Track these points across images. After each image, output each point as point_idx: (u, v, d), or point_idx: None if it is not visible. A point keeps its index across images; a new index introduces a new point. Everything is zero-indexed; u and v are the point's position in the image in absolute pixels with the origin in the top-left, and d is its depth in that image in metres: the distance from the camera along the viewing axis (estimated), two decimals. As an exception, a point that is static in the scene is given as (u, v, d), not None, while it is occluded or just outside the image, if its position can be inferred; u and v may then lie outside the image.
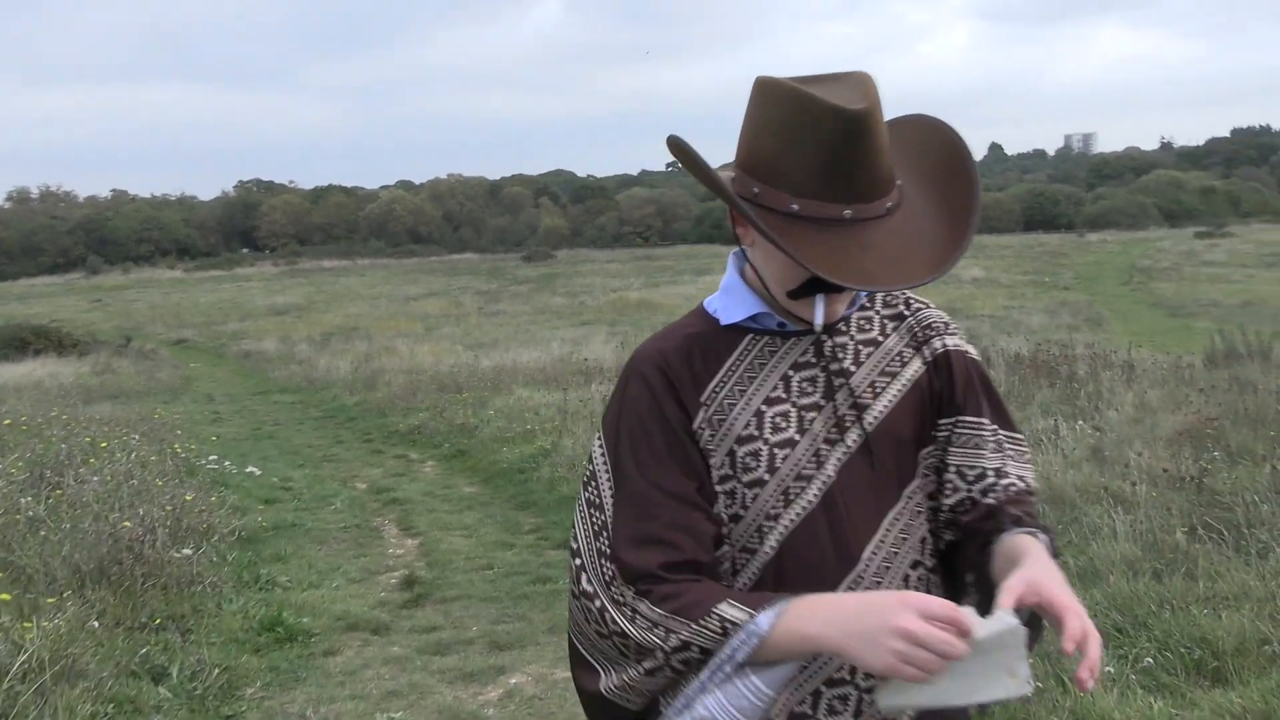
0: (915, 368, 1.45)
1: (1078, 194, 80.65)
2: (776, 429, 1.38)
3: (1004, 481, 1.43)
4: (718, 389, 1.40)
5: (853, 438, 1.39)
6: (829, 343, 1.42)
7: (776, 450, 1.38)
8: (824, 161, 1.24)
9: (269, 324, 27.70)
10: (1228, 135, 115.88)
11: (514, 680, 4.48)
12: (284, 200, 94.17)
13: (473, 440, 10.35)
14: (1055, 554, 1.35)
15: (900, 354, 1.46)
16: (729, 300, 1.44)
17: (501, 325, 24.08)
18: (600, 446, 1.42)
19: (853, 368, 1.42)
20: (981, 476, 1.43)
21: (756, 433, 1.38)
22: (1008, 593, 1.17)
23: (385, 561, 6.58)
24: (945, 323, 1.50)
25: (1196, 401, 8.75)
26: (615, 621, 1.31)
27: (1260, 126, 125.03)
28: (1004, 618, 1.16)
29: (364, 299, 35.26)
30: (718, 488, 1.38)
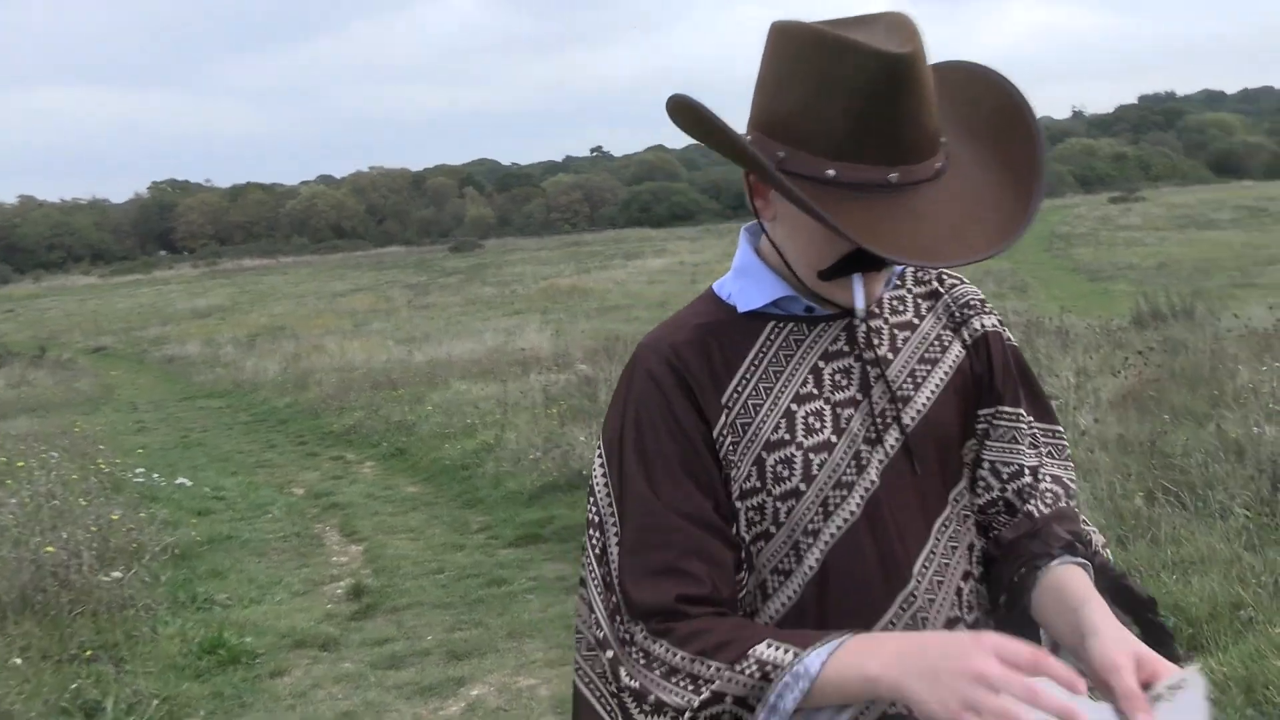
0: (956, 352, 1.28)
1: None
2: (810, 430, 1.20)
3: (1042, 485, 1.27)
4: (740, 387, 1.20)
5: (894, 436, 1.22)
6: (862, 327, 1.24)
7: (812, 455, 1.19)
8: (864, 116, 1.05)
9: (191, 327, 26.91)
10: (1135, 102, 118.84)
11: (475, 692, 4.28)
12: (201, 200, 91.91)
13: (411, 438, 10.07)
14: (1109, 576, 1.20)
15: (939, 337, 1.28)
16: (746, 283, 1.25)
17: (433, 318, 23.67)
18: (600, 459, 1.23)
19: (890, 355, 1.24)
20: (1017, 475, 1.27)
21: (788, 436, 1.19)
22: (1120, 672, 1.00)
23: (329, 571, 6.31)
24: (981, 300, 1.33)
25: (1136, 364, 8.85)
26: (625, 675, 1.12)
27: (1165, 93, 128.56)
28: (1188, 674, 0.97)
29: (289, 297, 34.48)
30: (742, 502, 1.19)
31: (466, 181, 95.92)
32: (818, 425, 1.20)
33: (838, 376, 1.22)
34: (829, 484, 1.19)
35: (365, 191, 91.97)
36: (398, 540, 6.83)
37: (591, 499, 1.22)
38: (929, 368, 1.26)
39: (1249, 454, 5.74)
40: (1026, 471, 1.27)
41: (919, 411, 1.23)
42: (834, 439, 1.20)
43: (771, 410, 1.20)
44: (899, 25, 1.08)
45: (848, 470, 1.20)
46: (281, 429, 12.32)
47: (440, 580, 5.87)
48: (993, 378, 1.29)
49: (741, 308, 1.24)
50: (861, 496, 1.20)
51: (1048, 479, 1.28)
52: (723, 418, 1.19)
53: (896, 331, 1.27)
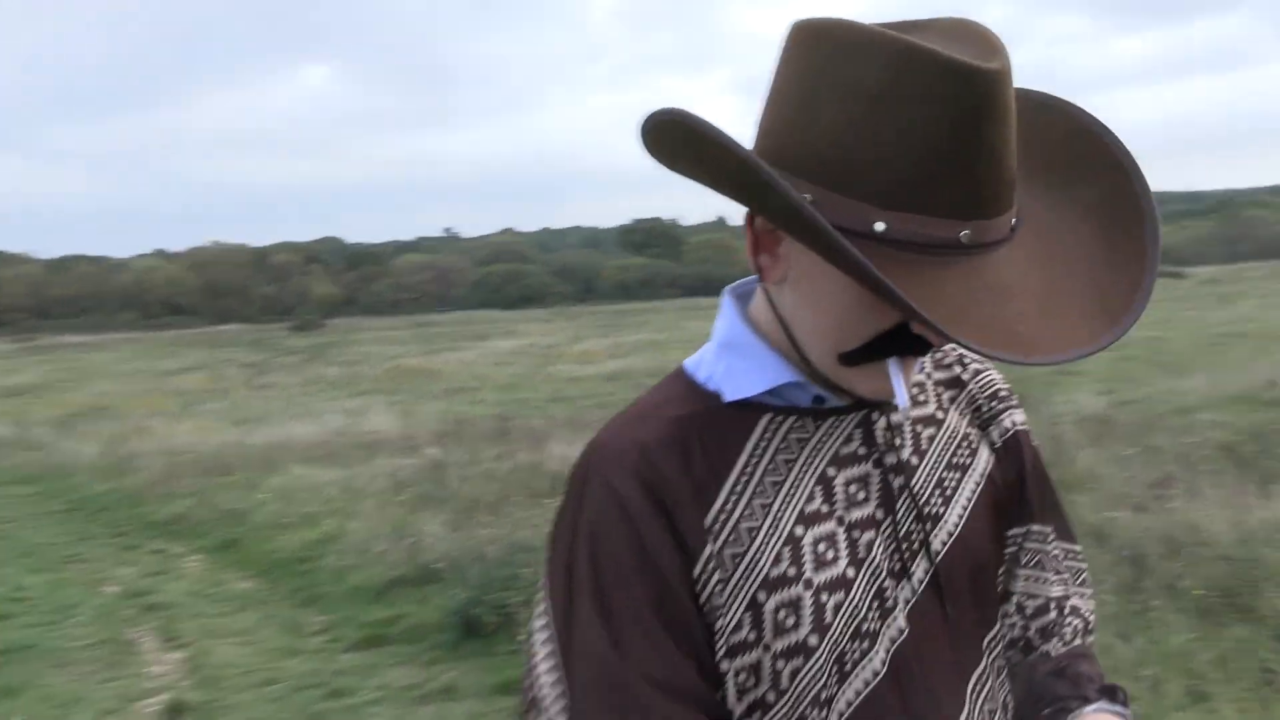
0: (985, 457, 1.03)
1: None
2: (822, 562, 0.91)
3: (1068, 620, 1.04)
4: (730, 504, 0.91)
5: (922, 566, 0.95)
6: (881, 422, 0.97)
7: (825, 596, 0.90)
8: (937, 153, 0.78)
9: (1, 406, 24.89)
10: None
11: (311, 826, 3.77)
12: (20, 271, 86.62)
13: (244, 528, 9.32)
14: None
15: (967, 438, 1.03)
16: (735, 363, 0.95)
17: (271, 399, 22.57)
18: (544, 611, 0.91)
19: (914, 460, 0.98)
20: (1042, 610, 1.04)
21: (793, 570, 0.90)
22: None
23: (144, 684, 5.61)
24: (1009, 390, 1.09)
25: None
26: None
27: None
28: None
29: (114, 376, 32.45)
30: (731, 661, 0.89)
31: (312, 259, 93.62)
32: (830, 555, 0.91)
33: (853, 488, 0.94)
34: (846, 634, 0.91)
35: (204, 267, 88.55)
36: (225, 646, 6.16)
37: (528, 667, 0.91)
38: (959, 476, 1.00)
39: (1110, 540, 5.79)
40: (1052, 606, 1.05)
41: (950, 534, 0.97)
42: (851, 573, 0.92)
43: (771, 535, 0.90)
44: (974, 33, 0.82)
45: (870, 615, 0.92)
46: (98, 518, 11.27)
47: (273, 693, 5.27)
48: (1024, 489, 1.05)
49: (729, 395, 0.94)
50: (887, 650, 0.93)
51: (1069, 610, 1.07)
52: (708, 546, 0.89)
53: (920, 428, 0.99)
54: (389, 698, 5.03)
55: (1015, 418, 1.07)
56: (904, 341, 0.86)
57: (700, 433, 0.92)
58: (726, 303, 0.99)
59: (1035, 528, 1.06)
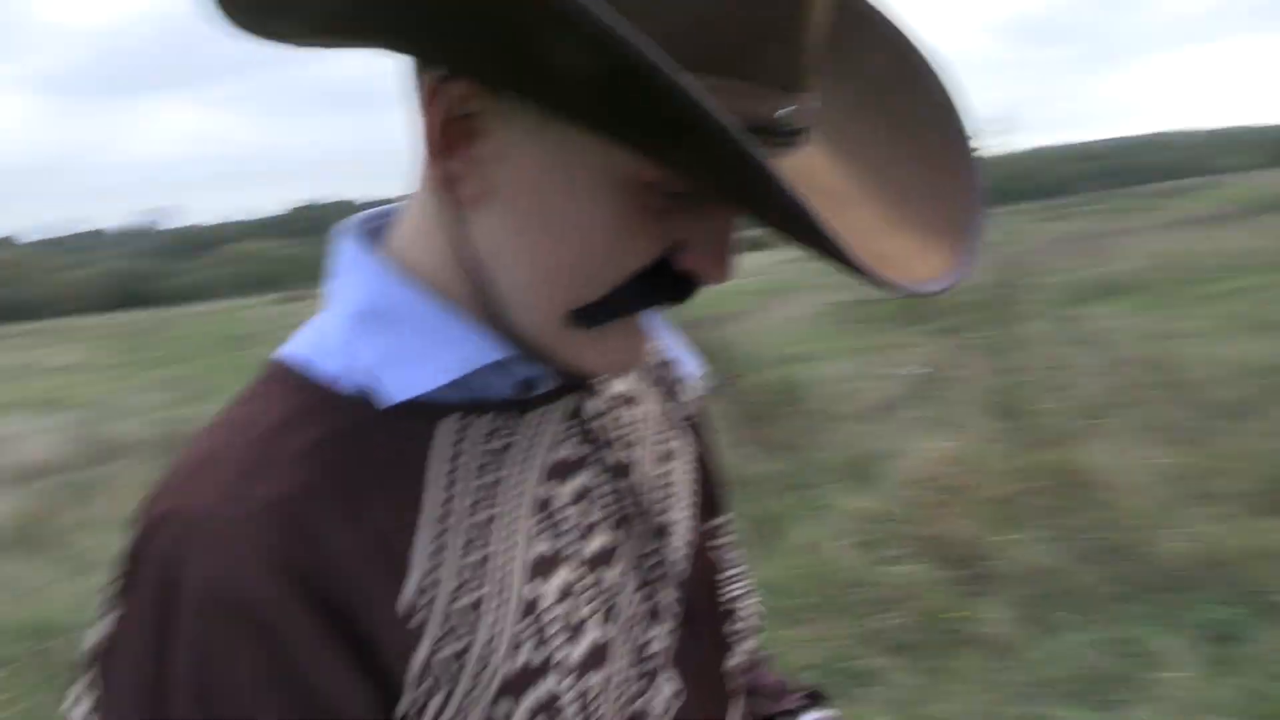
0: (687, 440, 0.80)
1: (163, 268, 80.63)
2: (574, 631, 0.62)
3: (748, 621, 0.83)
4: (432, 573, 0.57)
5: (669, 598, 0.70)
6: (590, 408, 0.69)
7: (585, 681, 0.62)
8: None
9: None
10: (303, 206, 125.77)
11: None
12: None
13: None
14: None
15: (665, 417, 0.78)
16: (395, 342, 0.59)
17: None
18: None
19: (633, 454, 0.72)
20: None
21: (538, 657, 0.60)
22: None
23: None
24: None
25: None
26: None
27: (326, 201, 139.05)
28: None
29: None
30: None
31: None
32: (577, 616, 0.63)
33: (581, 508, 0.66)
34: None
35: None
36: None
37: None
38: (669, 469, 0.75)
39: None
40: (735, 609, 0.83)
41: (684, 545, 0.73)
42: (608, 634, 0.64)
43: (499, 608, 0.59)
44: None
45: (637, 685, 0.65)
46: None
47: None
48: (716, 472, 0.83)
49: (393, 395, 0.58)
50: None
51: (748, 609, 0.83)
52: (416, 653, 0.55)
53: (621, 411, 0.73)
54: None
55: (698, 385, 0.82)
56: (666, 285, 0.57)
57: (362, 463, 0.56)
58: (351, 247, 0.62)
59: (724, 518, 0.82)
